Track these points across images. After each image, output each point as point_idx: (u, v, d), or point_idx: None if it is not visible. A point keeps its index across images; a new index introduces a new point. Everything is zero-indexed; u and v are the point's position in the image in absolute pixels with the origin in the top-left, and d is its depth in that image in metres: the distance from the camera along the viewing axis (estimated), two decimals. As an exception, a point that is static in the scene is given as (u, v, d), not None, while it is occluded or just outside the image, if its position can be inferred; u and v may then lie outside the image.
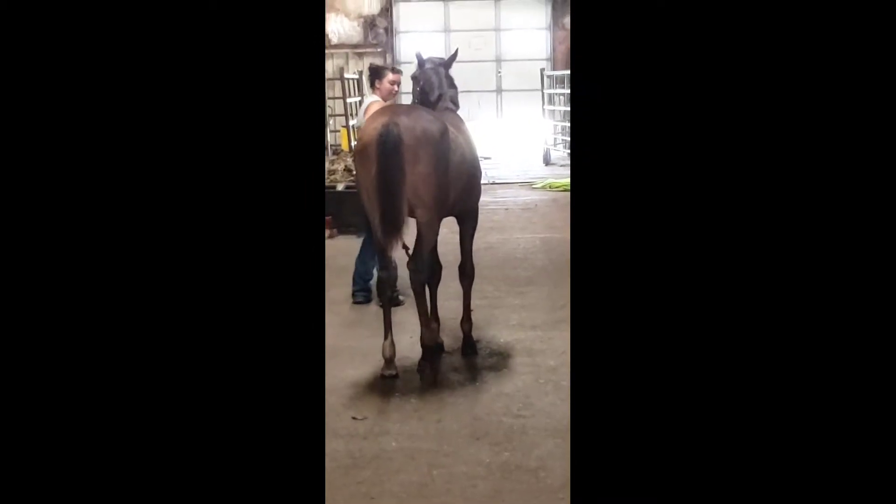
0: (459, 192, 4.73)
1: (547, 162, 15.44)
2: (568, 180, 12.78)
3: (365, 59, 18.01)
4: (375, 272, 5.52)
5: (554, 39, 18.76)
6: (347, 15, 18.46)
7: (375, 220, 4.45)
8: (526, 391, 4.43)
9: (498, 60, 18.81)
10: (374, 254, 5.57)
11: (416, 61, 5.32)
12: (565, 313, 5.85)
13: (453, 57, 5.38)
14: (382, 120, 4.50)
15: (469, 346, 5.10)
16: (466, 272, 5.12)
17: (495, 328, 5.55)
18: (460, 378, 4.66)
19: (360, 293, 6.19)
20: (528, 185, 12.81)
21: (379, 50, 18.49)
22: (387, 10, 18.58)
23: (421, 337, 4.71)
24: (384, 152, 4.38)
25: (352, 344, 5.23)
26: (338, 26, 18.33)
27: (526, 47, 18.89)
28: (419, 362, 4.72)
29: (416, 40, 18.77)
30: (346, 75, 13.41)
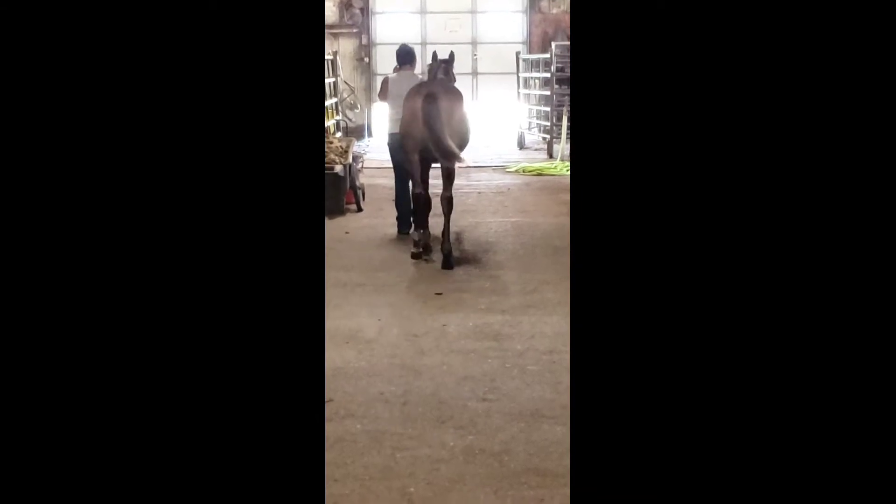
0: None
1: (521, 146, 15.45)
2: (541, 164, 12.85)
3: (340, 39, 17.91)
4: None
5: (530, 23, 18.72)
6: (323, -6, 18.33)
7: (415, 158, 6.78)
8: (492, 375, 4.44)
9: (474, 43, 18.71)
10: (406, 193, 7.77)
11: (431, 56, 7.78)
12: (534, 298, 5.89)
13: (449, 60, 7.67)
14: (424, 90, 6.64)
15: (448, 262, 6.68)
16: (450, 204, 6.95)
17: (463, 311, 5.56)
18: (426, 361, 4.66)
19: (404, 225, 7.89)
20: (502, 168, 12.81)
21: (355, 31, 18.37)
22: (363, -9, 18.45)
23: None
24: (427, 109, 6.40)
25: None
26: (313, 6, 18.17)
27: (502, 30, 18.81)
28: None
29: (392, 21, 18.70)
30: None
